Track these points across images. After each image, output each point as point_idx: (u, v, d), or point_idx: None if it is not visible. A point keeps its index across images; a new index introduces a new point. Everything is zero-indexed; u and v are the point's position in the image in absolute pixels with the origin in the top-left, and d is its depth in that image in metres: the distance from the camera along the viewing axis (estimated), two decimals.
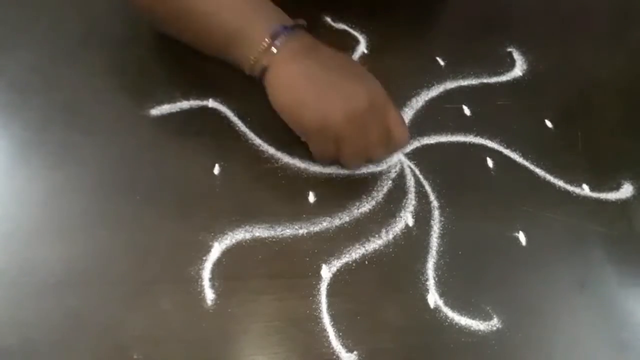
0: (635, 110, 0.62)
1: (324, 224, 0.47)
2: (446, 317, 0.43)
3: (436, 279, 0.45)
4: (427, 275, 0.45)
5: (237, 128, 0.51)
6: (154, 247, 0.44)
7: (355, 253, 0.45)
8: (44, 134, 0.49)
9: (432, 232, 0.48)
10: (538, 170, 0.54)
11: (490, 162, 0.54)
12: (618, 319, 0.46)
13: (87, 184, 0.46)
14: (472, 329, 0.43)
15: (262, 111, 0.52)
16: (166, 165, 0.48)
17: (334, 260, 0.45)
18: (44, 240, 0.43)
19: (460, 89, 0.59)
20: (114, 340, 0.39)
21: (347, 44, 0.60)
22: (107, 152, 0.48)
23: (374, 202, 0.49)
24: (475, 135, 0.55)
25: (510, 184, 0.52)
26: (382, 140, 0.45)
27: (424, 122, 0.55)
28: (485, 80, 0.61)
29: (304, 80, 0.43)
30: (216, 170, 0.48)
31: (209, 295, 0.42)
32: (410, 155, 0.53)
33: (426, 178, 0.51)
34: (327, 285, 0.43)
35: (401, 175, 0.51)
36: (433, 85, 0.59)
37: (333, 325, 0.42)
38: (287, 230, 0.46)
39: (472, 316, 0.44)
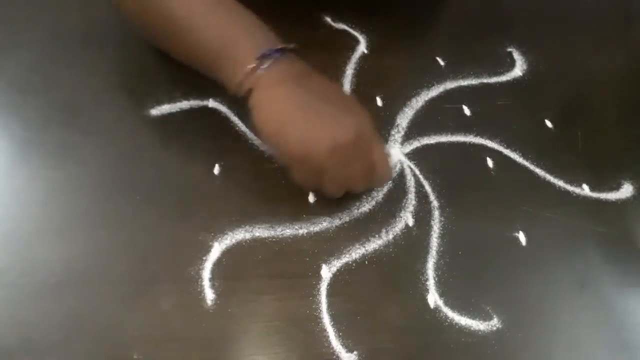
0: (635, 110, 0.62)
1: (324, 224, 0.47)
2: (446, 317, 0.43)
3: (436, 279, 0.45)
4: (427, 275, 0.45)
5: (237, 128, 0.51)
6: (154, 247, 0.44)
7: (355, 253, 0.45)
8: (44, 133, 0.49)
9: (432, 232, 0.48)
10: (538, 170, 0.54)
11: (490, 162, 0.54)
12: (618, 319, 0.46)
13: (87, 184, 0.46)
14: (472, 329, 0.43)
15: None
16: (166, 165, 0.48)
17: (334, 260, 0.45)
18: (44, 240, 0.43)
19: (460, 89, 0.59)
20: (114, 340, 0.39)
21: (347, 44, 0.60)
22: (107, 152, 0.48)
23: (374, 202, 0.49)
24: (475, 135, 0.55)
25: (510, 184, 0.52)
26: (365, 175, 0.44)
27: (424, 122, 0.55)
28: (485, 80, 0.61)
29: (290, 106, 0.41)
30: (216, 170, 0.48)
31: (209, 295, 0.42)
32: (410, 155, 0.53)
33: (426, 178, 0.51)
34: (327, 285, 0.43)
35: (401, 175, 0.51)
36: (433, 85, 0.59)
37: (333, 325, 0.42)
38: (287, 230, 0.46)
39: (472, 316, 0.44)
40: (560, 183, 0.53)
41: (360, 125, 0.42)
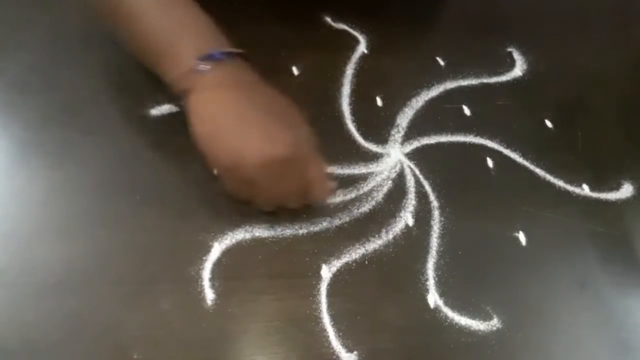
0: (635, 110, 0.62)
1: (324, 224, 0.47)
2: (446, 317, 0.43)
3: (436, 279, 0.45)
4: (427, 275, 0.45)
5: None
6: (154, 247, 0.44)
7: (355, 253, 0.45)
8: (44, 134, 0.49)
9: (432, 232, 0.48)
10: (538, 170, 0.54)
11: (490, 162, 0.54)
12: (618, 319, 0.46)
13: (86, 184, 0.46)
14: (472, 329, 0.43)
15: None
16: (166, 165, 0.48)
17: (334, 260, 0.45)
18: (44, 240, 0.43)
19: (460, 89, 0.59)
20: (114, 340, 0.39)
21: (347, 44, 0.60)
22: (107, 152, 0.48)
23: (374, 202, 0.49)
24: (475, 135, 0.55)
25: (510, 184, 0.52)
26: (299, 193, 0.42)
27: (424, 122, 0.55)
28: (485, 80, 0.61)
29: (225, 112, 0.40)
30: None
31: (209, 295, 0.42)
32: (410, 155, 0.53)
33: (426, 178, 0.51)
34: (327, 285, 0.43)
35: (401, 175, 0.51)
36: (433, 85, 0.59)
37: (333, 325, 0.42)
38: (287, 230, 0.46)
39: (472, 316, 0.44)
40: (560, 183, 0.53)
41: (297, 142, 0.40)
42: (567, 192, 0.53)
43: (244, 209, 0.46)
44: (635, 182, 0.55)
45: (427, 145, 0.54)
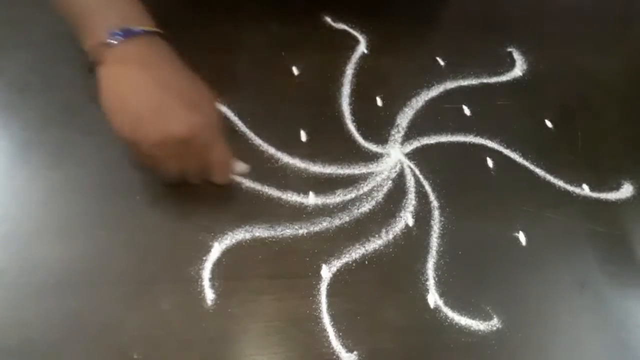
0: (635, 110, 0.62)
1: (324, 224, 0.47)
2: (446, 317, 0.43)
3: (436, 279, 0.45)
4: (427, 275, 0.45)
5: (237, 128, 0.51)
6: (154, 247, 0.44)
7: (355, 253, 0.45)
8: (44, 134, 0.49)
9: (432, 232, 0.48)
10: (538, 170, 0.54)
11: (490, 162, 0.54)
12: (618, 319, 0.46)
13: (86, 184, 0.46)
14: (472, 329, 0.43)
15: (262, 111, 0.53)
16: None
17: (334, 260, 0.45)
18: (44, 240, 0.43)
19: (460, 89, 0.59)
20: (114, 340, 0.39)
21: (347, 44, 0.60)
22: (107, 152, 0.48)
23: (374, 202, 0.49)
24: (475, 135, 0.55)
25: (510, 184, 0.52)
26: (200, 172, 0.43)
27: (424, 122, 0.55)
28: (485, 80, 0.61)
29: (126, 87, 0.40)
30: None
31: (209, 295, 0.42)
32: (410, 155, 0.53)
33: (426, 178, 0.51)
34: (327, 285, 0.43)
35: (401, 175, 0.51)
36: (433, 85, 0.59)
37: (333, 325, 0.42)
38: (287, 230, 0.46)
39: (472, 316, 0.44)
40: (560, 183, 0.53)
41: (199, 124, 0.40)
42: (567, 192, 0.53)
43: (244, 209, 0.46)
44: (635, 182, 0.55)
45: (427, 145, 0.54)
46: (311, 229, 0.46)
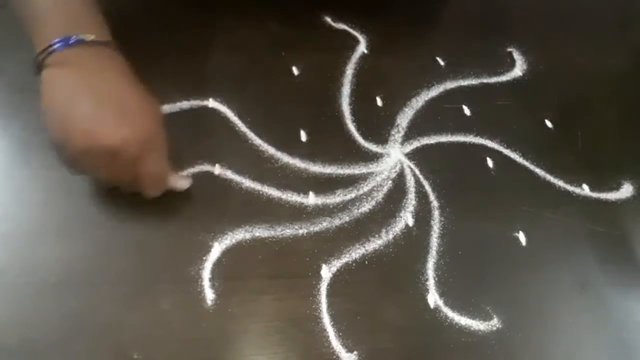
0: (634, 110, 0.62)
1: (324, 224, 0.47)
2: (446, 317, 0.43)
3: (436, 279, 0.45)
4: (427, 275, 0.45)
5: (237, 128, 0.51)
6: (154, 247, 0.44)
7: (355, 253, 0.45)
8: (44, 134, 0.48)
9: (432, 232, 0.48)
10: (538, 170, 0.54)
11: (490, 162, 0.54)
12: (618, 319, 0.46)
13: (87, 184, 0.46)
14: (472, 329, 0.43)
15: (262, 111, 0.53)
16: None
17: (334, 260, 0.45)
18: (44, 240, 0.43)
19: (460, 89, 0.59)
20: (114, 340, 0.39)
21: (347, 44, 0.60)
22: None
23: (374, 202, 0.49)
24: (475, 135, 0.55)
25: (510, 184, 0.52)
26: (130, 184, 0.42)
27: (424, 122, 0.55)
28: (485, 80, 0.61)
29: (60, 94, 0.40)
30: (216, 170, 0.48)
31: (209, 295, 0.42)
32: (410, 155, 0.53)
33: (426, 178, 0.51)
34: (327, 285, 0.43)
35: (401, 175, 0.51)
36: (433, 85, 0.59)
37: (333, 325, 0.42)
38: (287, 230, 0.46)
39: (472, 316, 0.44)
40: (560, 183, 0.53)
41: (127, 137, 0.39)
42: (567, 192, 0.53)
43: (244, 209, 0.46)
44: (635, 182, 0.55)
45: (427, 145, 0.54)
46: (311, 229, 0.46)
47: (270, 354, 0.40)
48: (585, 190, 0.53)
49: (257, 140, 0.51)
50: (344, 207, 0.48)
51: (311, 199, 0.48)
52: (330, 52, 0.59)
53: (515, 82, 0.61)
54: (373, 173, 0.51)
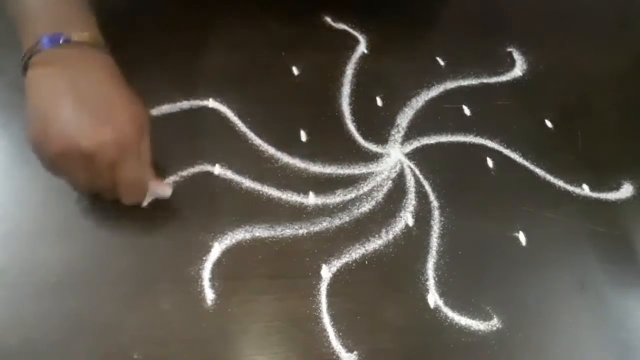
0: (635, 110, 0.62)
1: (324, 224, 0.47)
2: (446, 317, 0.43)
3: (436, 279, 0.45)
4: (427, 275, 0.45)
5: (237, 128, 0.51)
6: (154, 247, 0.44)
7: (355, 253, 0.45)
8: None
9: (432, 232, 0.48)
10: (538, 170, 0.54)
11: (490, 162, 0.54)
12: (618, 319, 0.46)
13: None
14: (472, 329, 0.43)
15: (262, 111, 0.53)
16: (166, 165, 0.48)
17: (334, 260, 0.45)
18: (44, 240, 0.43)
19: (460, 89, 0.59)
20: (114, 340, 0.39)
21: (347, 44, 0.60)
22: None
23: (374, 202, 0.49)
24: (475, 135, 0.55)
25: (510, 184, 0.52)
26: (110, 190, 0.41)
27: (424, 122, 0.55)
28: (485, 80, 0.61)
29: (40, 94, 0.39)
30: (216, 170, 0.48)
31: (209, 295, 0.42)
32: (410, 155, 0.53)
33: (426, 178, 0.51)
34: (327, 285, 0.43)
35: (401, 175, 0.51)
36: (433, 85, 0.59)
37: (333, 325, 0.42)
38: (287, 230, 0.46)
39: (472, 316, 0.44)
40: (560, 183, 0.53)
41: (105, 141, 0.38)
42: (567, 192, 0.53)
43: (244, 209, 0.46)
44: (635, 182, 0.55)
45: (427, 145, 0.54)
46: (311, 229, 0.46)
47: (270, 354, 0.40)
48: (585, 190, 0.53)
49: (257, 140, 0.51)
50: (344, 207, 0.48)
51: (311, 199, 0.48)
52: (330, 52, 0.59)
53: (515, 82, 0.61)
54: (373, 173, 0.51)
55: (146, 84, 0.53)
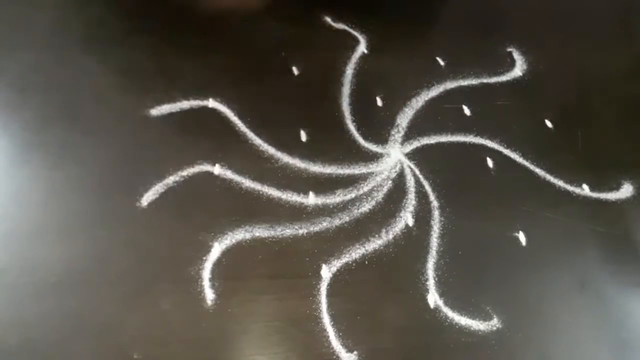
0: (634, 110, 0.62)
1: (324, 224, 0.47)
2: (446, 317, 0.43)
3: (436, 279, 0.45)
4: (427, 275, 0.45)
5: (237, 128, 0.51)
6: (154, 247, 0.44)
7: (355, 253, 0.45)
8: (44, 134, 0.49)
9: (432, 232, 0.48)
10: (538, 170, 0.54)
11: (490, 162, 0.54)
12: (618, 319, 0.46)
13: (87, 184, 0.46)
14: (472, 329, 0.43)
15: (262, 111, 0.53)
16: (166, 165, 0.48)
17: (334, 260, 0.45)
18: (44, 240, 0.43)
19: (460, 89, 0.59)
20: (114, 340, 0.39)
21: (347, 44, 0.60)
22: (107, 152, 0.48)
23: (374, 202, 0.49)
24: (475, 135, 0.55)
25: (510, 184, 0.52)
26: None
27: (424, 122, 0.55)
28: (485, 80, 0.61)
29: None
30: (216, 170, 0.48)
31: (209, 295, 0.42)
32: (410, 155, 0.53)
33: (426, 178, 0.51)
34: (327, 285, 0.43)
35: (401, 175, 0.51)
36: (433, 85, 0.59)
37: (333, 325, 0.42)
38: (287, 230, 0.46)
39: (472, 316, 0.44)
40: (560, 183, 0.53)
41: None
42: (567, 192, 0.53)
43: (244, 209, 0.46)
44: (635, 182, 0.55)
45: (427, 145, 0.54)
46: (311, 229, 0.46)
47: (270, 354, 0.40)
48: (586, 190, 0.53)
49: (257, 140, 0.51)
50: (344, 207, 0.48)
51: (311, 199, 0.48)
52: (330, 52, 0.59)
53: (515, 82, 0.61)
54: (373, 173, 0.51)
55: (146, 84, 0.53)
